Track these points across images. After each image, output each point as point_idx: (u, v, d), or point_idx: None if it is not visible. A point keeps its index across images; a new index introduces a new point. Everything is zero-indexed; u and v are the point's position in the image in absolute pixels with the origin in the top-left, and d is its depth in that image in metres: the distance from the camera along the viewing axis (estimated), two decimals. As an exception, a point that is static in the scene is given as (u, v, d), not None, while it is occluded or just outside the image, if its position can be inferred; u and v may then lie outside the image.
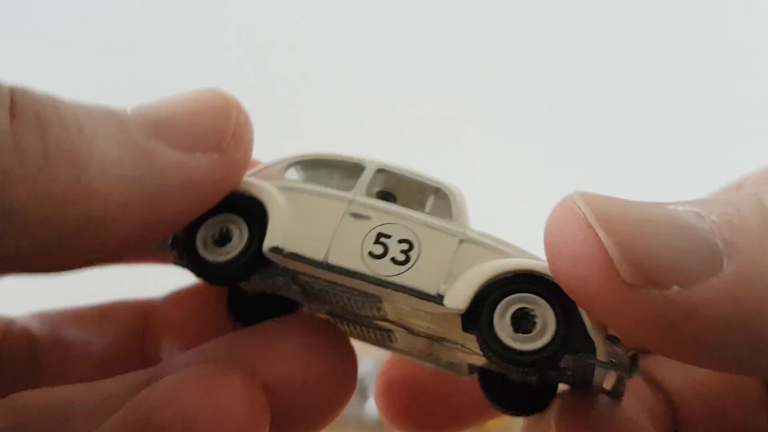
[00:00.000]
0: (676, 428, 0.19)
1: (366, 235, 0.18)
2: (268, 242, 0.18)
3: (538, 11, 0.70)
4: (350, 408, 0.64)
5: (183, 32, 0.76)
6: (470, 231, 0.18)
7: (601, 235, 0.12)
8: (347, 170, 0.20)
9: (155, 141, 0.14)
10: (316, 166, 0.21)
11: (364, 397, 0.64)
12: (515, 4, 0.71)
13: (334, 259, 0.17)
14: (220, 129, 0.16)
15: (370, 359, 0.68)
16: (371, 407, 0.63)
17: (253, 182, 0.19)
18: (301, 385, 0.16)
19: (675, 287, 0.12)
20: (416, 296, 0.17)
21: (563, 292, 0.14)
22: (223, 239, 0.18)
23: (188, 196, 0.15)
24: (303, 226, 0.18)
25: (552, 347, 0.15)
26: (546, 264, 0.15)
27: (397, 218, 0.18)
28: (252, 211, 0.18)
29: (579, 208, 0.13)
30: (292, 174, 0.21)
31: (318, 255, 0.17)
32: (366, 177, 0.19)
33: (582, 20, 0.71)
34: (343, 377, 0.17)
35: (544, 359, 0.15)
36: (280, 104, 0.70)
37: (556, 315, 0.16)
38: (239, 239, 0.18)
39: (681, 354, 0.13)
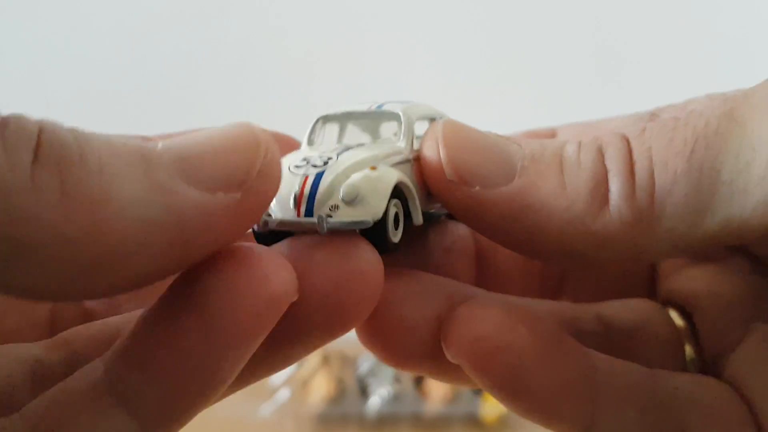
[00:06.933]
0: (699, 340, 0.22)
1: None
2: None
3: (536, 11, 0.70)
4: (351, 406, 0.64)
5: (187, 31, 0.76)
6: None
7: (440, 146, 0.18)
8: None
9: (178, 181, 0.14)
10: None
11: (364, 395, 0.64)
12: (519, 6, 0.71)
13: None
14: (244, 168, 0.15)
15: (370, 359, 0.68)
16: (371, 406, 0.63)
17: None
18: (330, 284, 0.17)
19: (477, 187, 0.17)
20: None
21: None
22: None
23: (206, 236, 0.15)
24: None
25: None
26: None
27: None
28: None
29: (440, 128, 0.18)
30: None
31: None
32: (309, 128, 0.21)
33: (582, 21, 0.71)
34: (368, 279, 0.18)
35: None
36: (284, 99, 0.70)
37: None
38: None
39: (481, 231, 0.19)
